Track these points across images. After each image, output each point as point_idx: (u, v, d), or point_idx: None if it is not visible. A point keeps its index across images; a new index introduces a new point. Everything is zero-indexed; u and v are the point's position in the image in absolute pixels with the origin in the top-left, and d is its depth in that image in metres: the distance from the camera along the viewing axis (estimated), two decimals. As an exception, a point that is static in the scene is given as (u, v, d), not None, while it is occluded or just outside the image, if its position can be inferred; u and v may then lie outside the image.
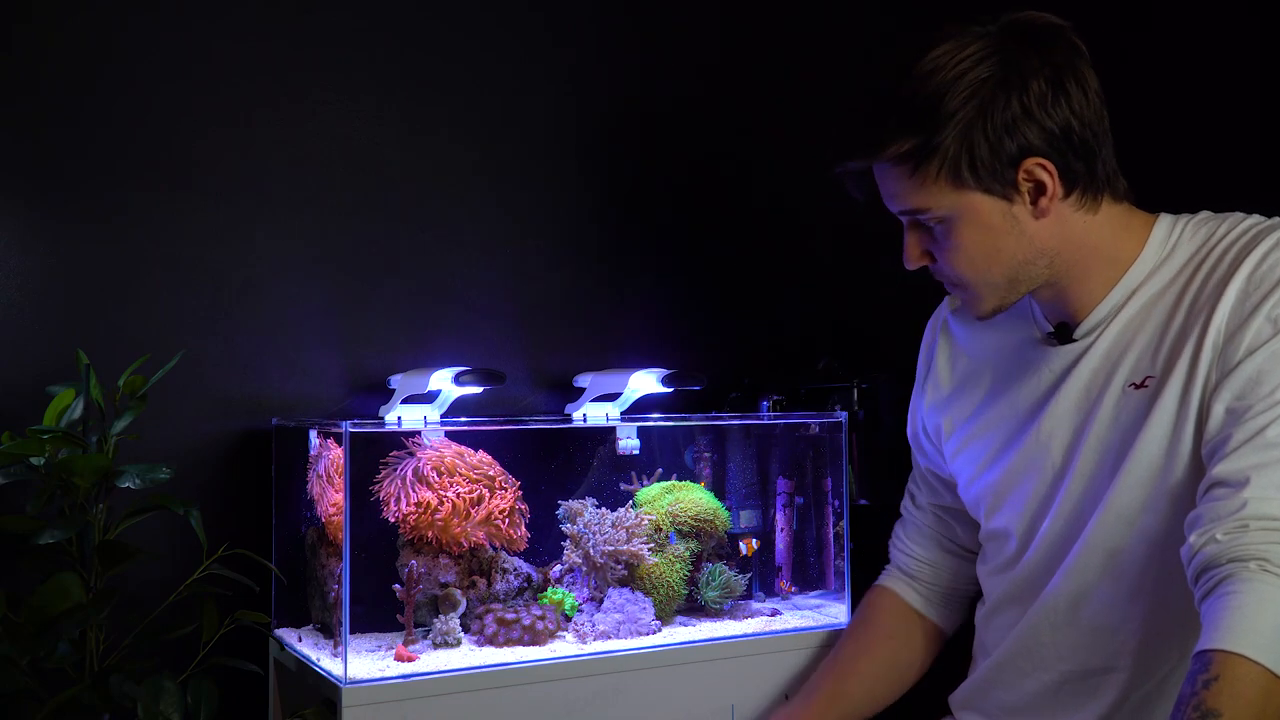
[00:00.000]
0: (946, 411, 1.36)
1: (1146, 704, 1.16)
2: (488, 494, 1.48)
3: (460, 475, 1.48)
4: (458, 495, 1.46)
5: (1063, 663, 1.22)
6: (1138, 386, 1.14)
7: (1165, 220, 1.18)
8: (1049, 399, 1.22)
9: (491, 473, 1.51)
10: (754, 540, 1.60)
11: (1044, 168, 1.09)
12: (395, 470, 1.47)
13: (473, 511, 1.46)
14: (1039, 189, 1.11)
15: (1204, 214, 1.19)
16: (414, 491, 1.45)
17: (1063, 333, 1.21)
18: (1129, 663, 1.16)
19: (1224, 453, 1.04)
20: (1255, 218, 1.14)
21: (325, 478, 1.47)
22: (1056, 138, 1.09)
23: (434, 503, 1.44)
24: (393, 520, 1.45)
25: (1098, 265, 1.17)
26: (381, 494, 1.46)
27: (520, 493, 1.53)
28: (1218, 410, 1.07)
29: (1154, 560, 1.13)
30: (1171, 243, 1.16)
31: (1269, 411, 1.03)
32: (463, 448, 1.52)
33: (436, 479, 1.46)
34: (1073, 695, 1.21)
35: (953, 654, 1.43)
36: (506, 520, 1.49)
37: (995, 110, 1.07)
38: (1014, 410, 1.26)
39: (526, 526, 1.53)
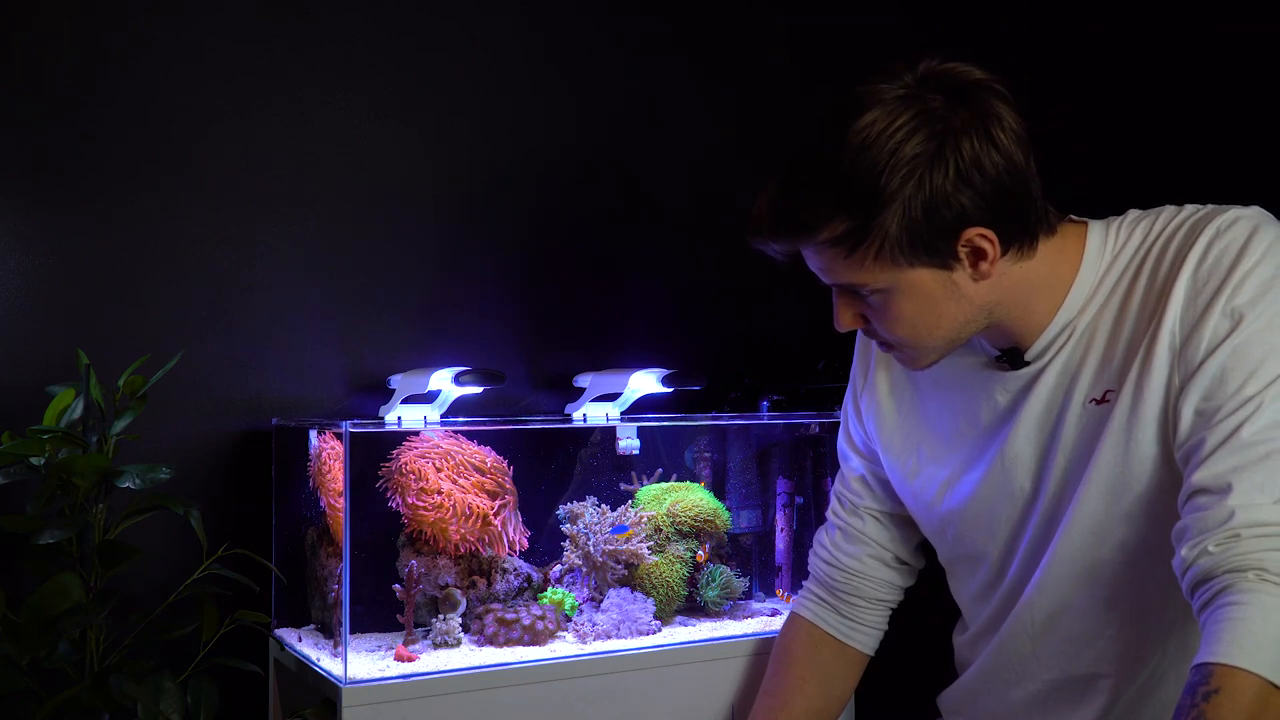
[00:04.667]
0: (891, 425, 1.31)
1: (1135, 706, 1.16)
2: (485, 494, 1.49)
3: (459, 466, 1.48)
4: (453, 490, 1.46)
5: (1047, 672, 1.21)
6: (1099, 402, 1.12)
7: (1097, 229, 1.15)
8: (1009, 420, 1.18)
9: (488, 461, 1.51)
10: (703, 550, 1.58)
11: (984, 237, 1.06)
12: (399, 460, 1.48)
13: (471, 507, 1.46)
14: (978, 254, 1.07)
15: (1133, 213, 1.15)
16: (416, 484, 1.45)
17: (1013, 357, 1.18)
18: (1114, 668, 1.16)
19: (1200, 457, 1.01)
20: (1188, 208, 1.11)
21: (324, 476, 1.47)
22: (990, 200, 1.05)
23: (442, 501, 1.45)
24: (402, 507, 1.46)
25: (1038, 299, 1.13)
26: (388, 484, 1.47)
27: (515, 500, 1.53)
28: (1187, 414, 1.03)
29: (1127, 566, 1.12)
30: (1109, 251, 1.13)
31: (1240, 410, 1.00)
32: (460, 439, 1.52)
33: (435, 472, 1.46)
34: (1061, 703, 1.21)
35: (943, 656, 1.42)
36: (499, 519, 1.49)
37: (934, 184, 1.03)
38: (973, 431, 1.23)
39: (523, 525, 1.54)
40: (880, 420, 1.33)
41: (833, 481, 1.65)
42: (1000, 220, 1.06)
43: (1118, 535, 1.11)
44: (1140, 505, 1.09)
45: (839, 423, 1.43)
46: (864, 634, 1.37)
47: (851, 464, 1.39)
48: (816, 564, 1.40)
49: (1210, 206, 1.10)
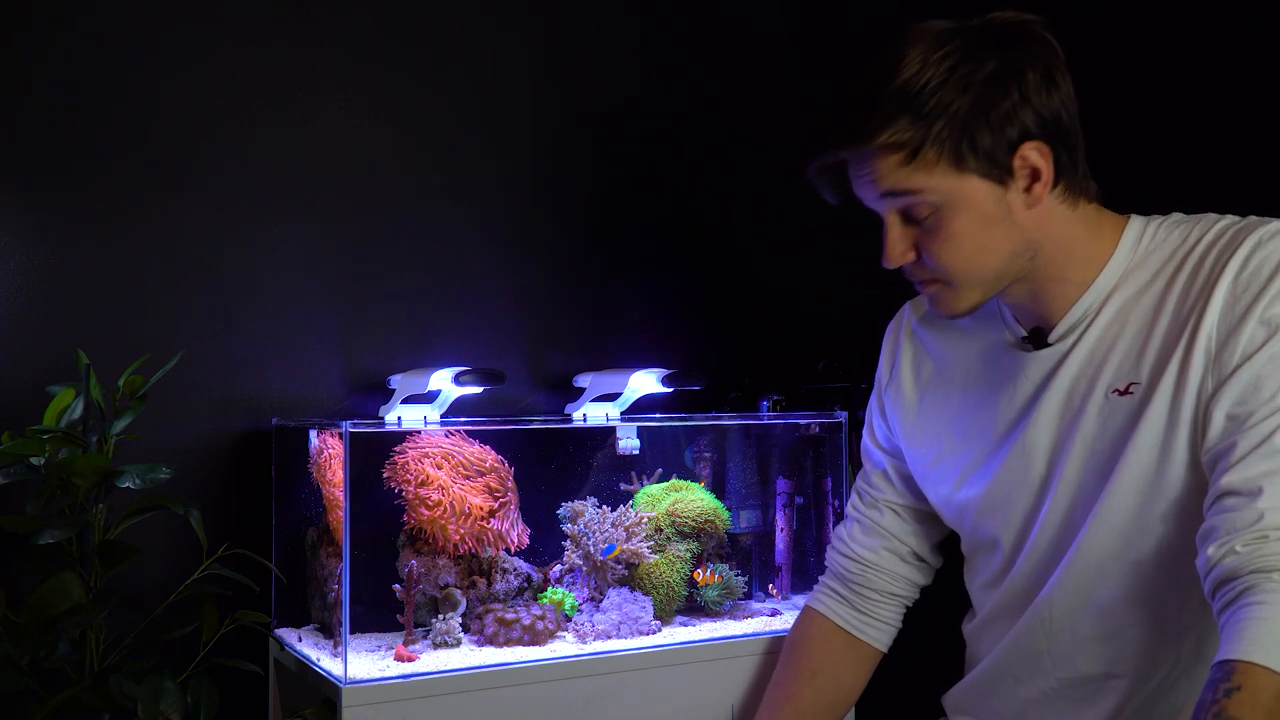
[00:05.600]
0: (913, 421, 1.34)
1: (1145, 708, 1.16)
2: (485, 493, 1.49)
3: (458, 466, 1.48)
4: (453, 489, 1.46)
5: (1060, 670, 1.21)
6: (1122, 393, 1.13)
7: (1136, 222, 1.17)
8: (1032, 407, 1.20)
9: (488, 460, 1.51)
10: (710, 570, 1.59)
11: (1040, 153, 1.09)
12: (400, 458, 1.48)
13: (470, 507, 1.46)
14: (1033, 175, 1.10)
15: (1176, 215, 1.18)
16: (416, 483, 1.45)
17: (1037, 337, 1.20)
18: (1128, 668, 1.16)
19: (1230, 461, 1.02)
20: (1229, 218, 1.13)
21: (325, 476, 1.47)
22: (1049, 124, 1.08)
23: (440, 499, 1.45)
24: (398, 491, 1.46)
25: (1074, 265, 1.16)
26: (390, 475, 1.48)
27: (516, 500, 1.53)
28: (1218, 418, 1.05)
29: (1156, 567, 1.12)
30: (1145, 245, 1.15)
31: (1273, 417, 1.01)
32: (460, 440, 1.53)
33: (435, 470, 1.46)
34: (1071, 702, 1.21)
35: (947, 654, 1.42)
36: (495, 519, 1.49)
37: (994, 98, 1.07)
38: (994, 419, 1.24)
39: (523, 524, 1.54)
40: (903, 413, 1.34)
41: (832, 481, 1.66)
42: (1055, 145, 1.09)
43: (1151, 535, 1.12)
44: (1174, 507, 1.10)
45: (839, 423, 1.45)
46: (877, 629, 1.38)
47: (874, 459, 1.40)
48: (833, 557, 1.42)
49: (1253, 217, 1.12)
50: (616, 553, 1.52)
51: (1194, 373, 1.07)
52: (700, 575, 1.57)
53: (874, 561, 1.38)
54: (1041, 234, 1.13)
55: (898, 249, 1.14)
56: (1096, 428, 1.15)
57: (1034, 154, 1.09)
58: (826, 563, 1.43)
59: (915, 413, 1.33)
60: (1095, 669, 1.18)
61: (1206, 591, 1.01)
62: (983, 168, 1.08)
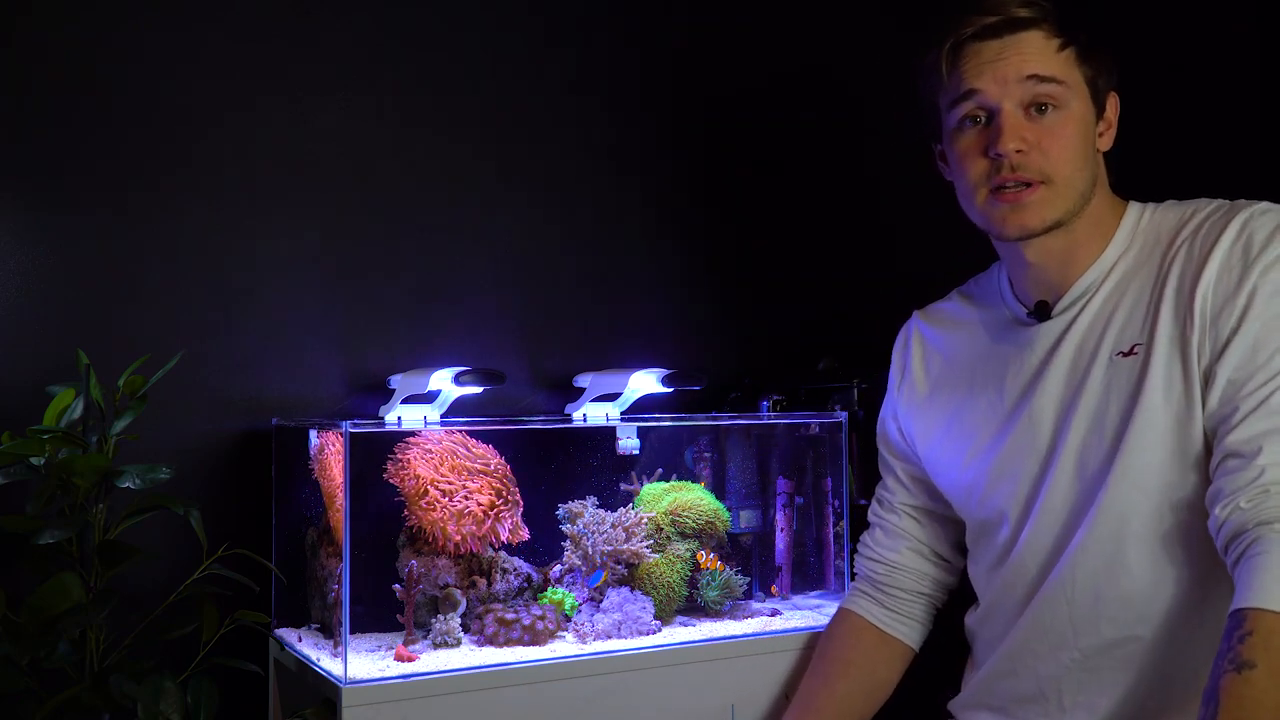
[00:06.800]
0: (925, 413, 1.39)
1: (1167, 673, 1.16)
2: (490, 493, 1.49)
3: (460, 466, 1.48)
4: (450, 488, 1.46)
5: (1082, 638, 1.21)
6: (1125, 354, 1.18)
7: (1135, 206, 1.26)
8: (1038, 378, 1.25)
9: (491, 462, 1.51)
10: (705, 553, 1.59)
11: (1115, 107, 1.24)
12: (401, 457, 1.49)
13: (466, 505, 1.46)
14: (1108, 122, 1.24)
15: (1170, 202, 1.26)
16: (414, 467, 1.45)
17: (1041, 311, 1.26)
18: (1150, 630, 1.17)
19: (1232, 423, 1.08)
20: (1220, 200, 1.21)
21: (325, 476, 1.47)
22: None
23: (433, 493, 1.45)
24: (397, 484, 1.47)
25: (1092, 236, 1.23)
26: (392, 474, 1.48)
27: (518, 498, 1.53)
28: (1220, 383, 1.11)
29: (1178, 524, 1.15)
30: (1144, 225, 1.24)
31: (1272, 381, 1.08)
32: (463, 437, 1.53)
33: (435, 470, 1.46)
34: (1093, 672, 1.21)
35: (948, 658, 1.42)
36: (494, 516, 1.49)
37: (1104, 42, 1.23)
38: (1001, 394, 1.29)
39: (523, 524, 1.54)
40: (916, 406, 1.40)
41: (832, 481, 1.68)
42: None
43: (1172, 488, 1.15)
44: (1196, 458, 1.14)
45: (839, 423, 1.52)
46: (905, 625, 1.43)
47: (889, 465, 1.47)
48: (860, 562, 1.48)
49: (1243, 200, 1.19)
50: (602, 582, 1.53)
51: (1194, 334, 1.13)
52: (703, 558, 1.57)
53: (898, 562, 1.43)
54: (1098, 178, 1.23)
55: (1017, 134, 1.20)
56: (1101, 391, 1.19)
57: (1114, 103, 1.25)
58: (856, 569, 1.49)
59: (927, 403, 1.39)
60: (1118, 633, 1.19)
61: (1220, 550, 1.06)
62: (1095, 87, 1.22)
